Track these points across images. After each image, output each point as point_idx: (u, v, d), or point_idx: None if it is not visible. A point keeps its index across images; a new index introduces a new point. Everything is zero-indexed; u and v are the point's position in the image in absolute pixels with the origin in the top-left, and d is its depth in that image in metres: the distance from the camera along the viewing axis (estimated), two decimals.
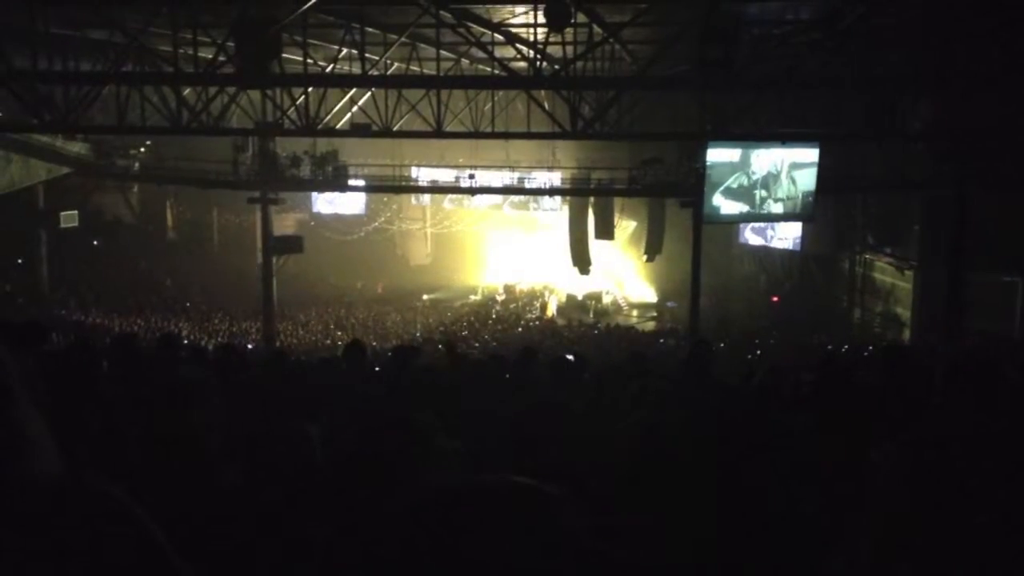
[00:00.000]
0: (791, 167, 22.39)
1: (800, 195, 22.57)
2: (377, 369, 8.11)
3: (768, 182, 22.51)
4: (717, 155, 21.93)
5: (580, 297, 34.32)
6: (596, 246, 29.21)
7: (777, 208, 23.09)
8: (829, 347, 23.18)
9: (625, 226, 33.56)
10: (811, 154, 21.92)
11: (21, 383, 1.32)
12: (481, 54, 20.15)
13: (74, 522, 1.29)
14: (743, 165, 22.33)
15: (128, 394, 3.44)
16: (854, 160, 23.82)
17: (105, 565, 1.29)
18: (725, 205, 22.56)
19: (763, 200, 22.70)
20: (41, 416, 1.33)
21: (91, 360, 4.64)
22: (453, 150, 30.74)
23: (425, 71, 22.26)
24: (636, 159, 24.36)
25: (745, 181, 22.44)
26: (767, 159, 22.35)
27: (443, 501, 1.28)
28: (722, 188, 22.15)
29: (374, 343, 24.92)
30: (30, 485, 1.28)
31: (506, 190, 30.66)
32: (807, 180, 22.25)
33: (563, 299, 34.65)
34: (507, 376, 7.12)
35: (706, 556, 2.05)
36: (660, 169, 23.78)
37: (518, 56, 20.81)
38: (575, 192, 27.82)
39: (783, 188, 22.60)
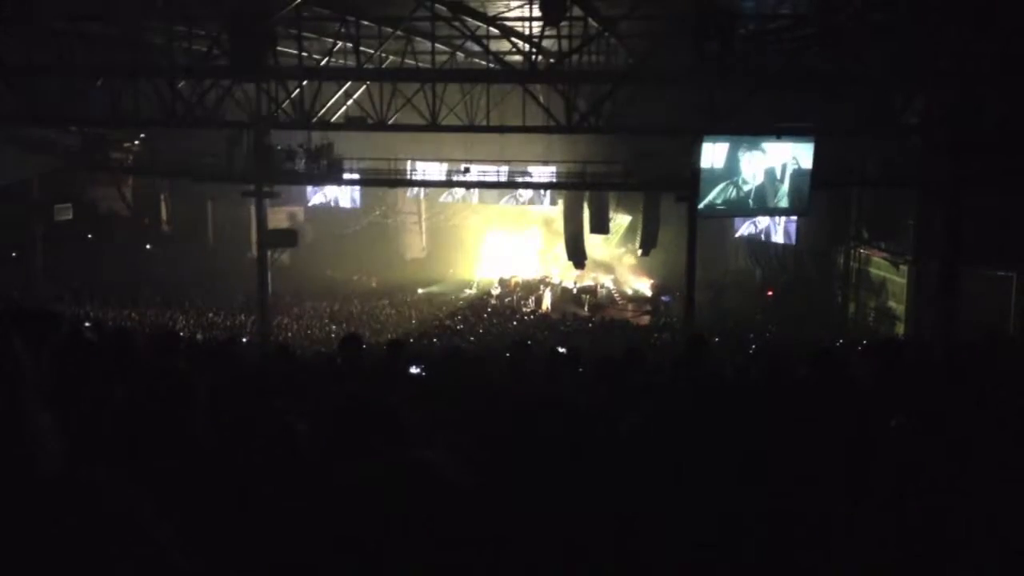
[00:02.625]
0: (794, 175, 21.22)
1: (803, 201, 22.03)
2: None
3: (764, 194, 21.51)
4: (701, 160, 20.49)
5: (575, 291, 34.32)
6: (591, 240, 29.19)
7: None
8: (824, 341, 23.23)
9: (620, 220, 33.58)
10: (808, 155, 21.03)
11: (33, 376, 1.33)
12: (476, 48, 20.13)
13: (76, 515, 1.29)
14: (731, 173, 21.15)
15: (125, 389, 3.44)
16: (849, 154, 23.82)
17: (106, 559, 1.29)
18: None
19: (758, 210, 22.26)
20: (48, 409, 1.34)
21: (87, 354, 4.63)
22: (448, 144, 30.65)
23: (420, 65, 22.22)
24: (631, 153, 24.33)
25: (734, 193, 21.24)
26: (761, 165, 21.15)
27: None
28: (704, 204, 20.90)
29: (369, 337, 24.89)
30: (35, 477, 1.29)
31: (501, 184, 30.58)
32: (806, 185, 21.49)
33: (558, 293, 34.63)
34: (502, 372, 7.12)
35: (708, 544, 2.07)
36: (655, 163, 23.76)
37: (513, 50, 20.79)
38: (570, 186, 27.78)
39: (785, 201, 21.72)
